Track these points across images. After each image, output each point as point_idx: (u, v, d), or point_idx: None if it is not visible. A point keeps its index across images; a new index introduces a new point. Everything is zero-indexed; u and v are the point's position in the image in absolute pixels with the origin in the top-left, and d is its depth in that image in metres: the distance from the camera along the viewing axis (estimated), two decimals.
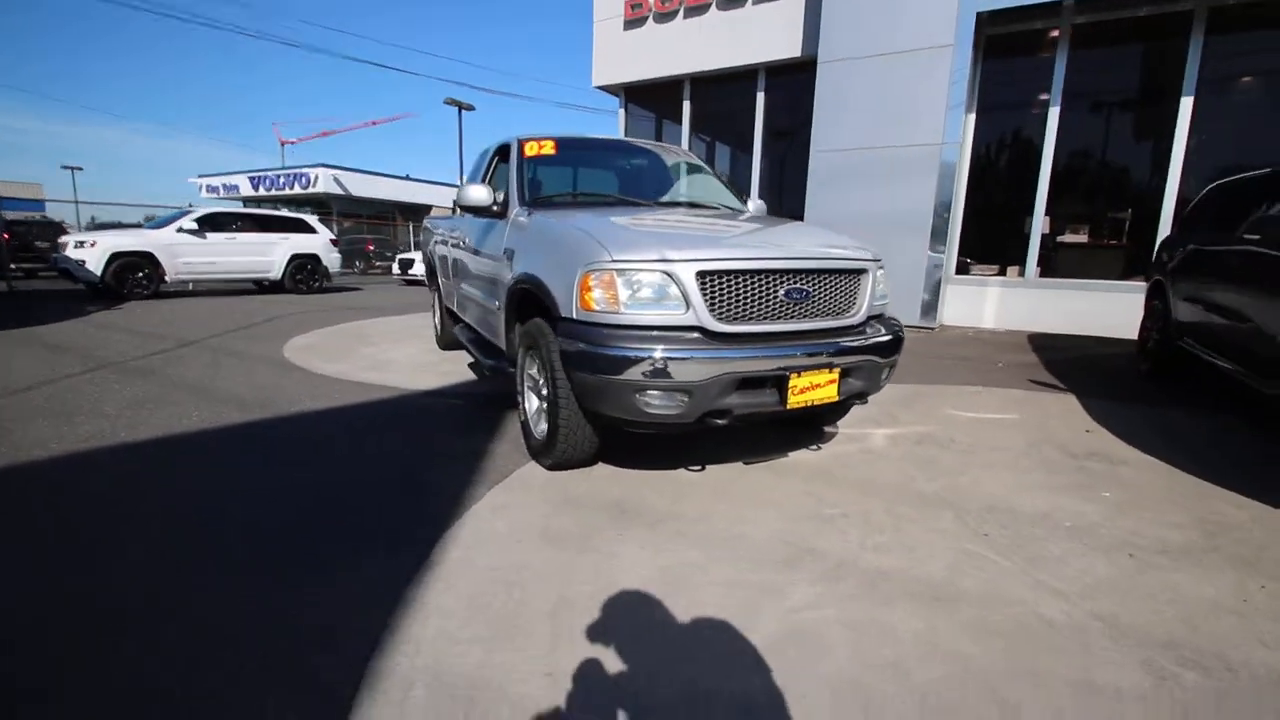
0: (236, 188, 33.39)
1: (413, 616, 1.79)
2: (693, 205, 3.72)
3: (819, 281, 2.66)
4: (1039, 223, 7.72)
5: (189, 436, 3.34)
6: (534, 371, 3.10)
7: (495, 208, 3.48)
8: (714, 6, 9.04)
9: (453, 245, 4.77)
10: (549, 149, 3.78)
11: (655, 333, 2.41)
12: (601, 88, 10.46)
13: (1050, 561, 2.19)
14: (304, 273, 11.99)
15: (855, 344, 2.68)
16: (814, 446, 3.36)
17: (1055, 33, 7.35)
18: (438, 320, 6.03)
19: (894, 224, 7.44)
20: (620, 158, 4.00)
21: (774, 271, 2.55)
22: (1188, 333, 4.55)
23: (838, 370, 2.61)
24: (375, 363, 5.33)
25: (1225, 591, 2.02)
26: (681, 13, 9.31)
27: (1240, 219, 4.05)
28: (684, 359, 2.36)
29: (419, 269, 15.22)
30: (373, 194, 33.53)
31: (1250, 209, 3.97)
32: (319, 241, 12.15)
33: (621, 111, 10.59)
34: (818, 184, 8.08)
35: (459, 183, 26.68)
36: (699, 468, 3.01)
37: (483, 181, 4.29)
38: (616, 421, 2.59)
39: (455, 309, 5.00)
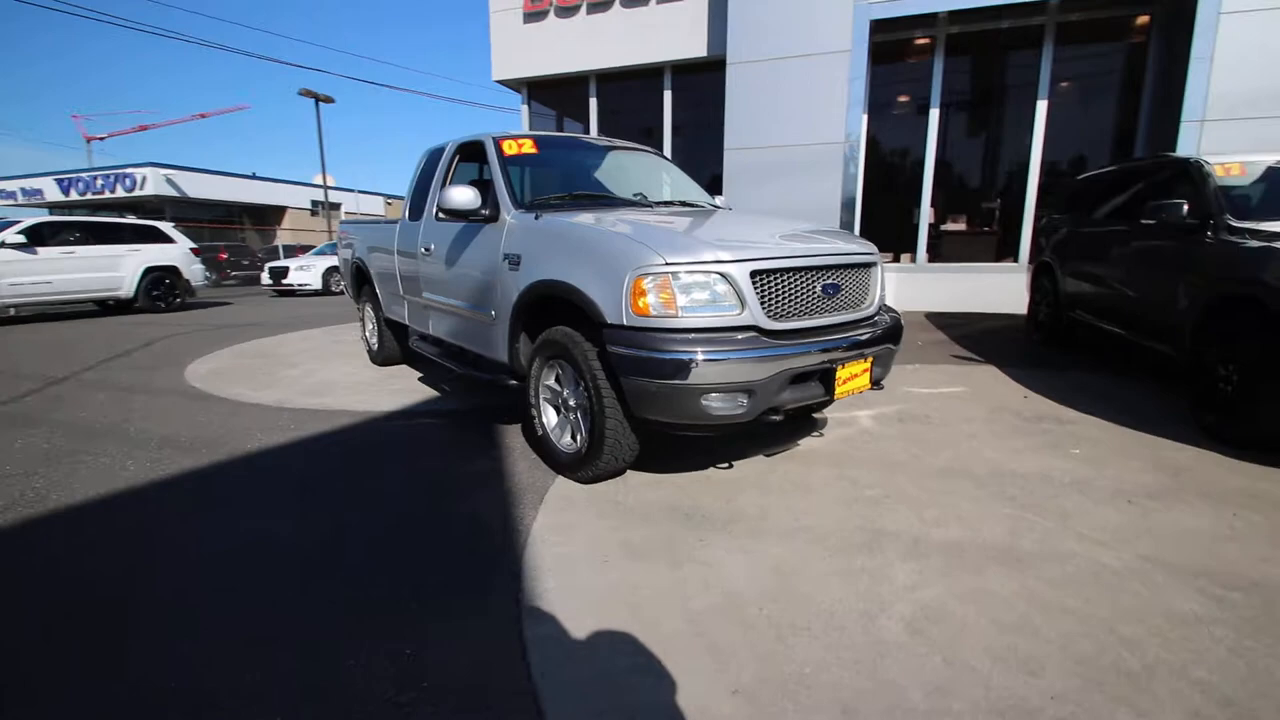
0: (40, 192, 28.51)
1: (560, 660, 1.67)
2: (684, 204, 3.74)
3: (846, 276, 2.80)
4: (925, 213, 8.57)
5: (141, 491, 2.83)
6: (552, 382, 2.98)
7: (485, 211, 3.28)
8: (617, 4, 9.04)
9: (402, 254, 4.42)
10: (529, 148, 3.62)
11: (714, 334, 2.41)
12: (502, 82, 10.11)
13: (1075, 515, 2.48)
14: (162, 288, 10.48)
15: (878, 333, 2.85)
16: (817, 433, 3.52)
17: (932, 41, 8.16)
18: (371, 335, 5.56)
19: (806, 218, 7.88)
20: (598, 157, 3.90)
21: (813, 268, 2.65)
22: (1079, 305, 5.30)
23: (870, 359, 2.76)
24: (312, 386, 4.81)
25: (1212, 523, 2.40)
26: (584, 9, 9.22)
27: (1126, 206, 4.78)
28: (746, 359, 2.38)
29: (298, 278, 13.86)
30: (214, 196, 29.97)
31: (1135, 196, 4.70)
32: (177, 252, 10.67)
33: (524, 108, 10.30)
34: (731, 181, 8.38)
35: (321, 181, 24.50)
36: (727, 465, 3.06)
37: (443, 186, 4.01)
38: (669, 427, 2.56)
39: (408, 321, 4.64)
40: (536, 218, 3.02)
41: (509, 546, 2.29)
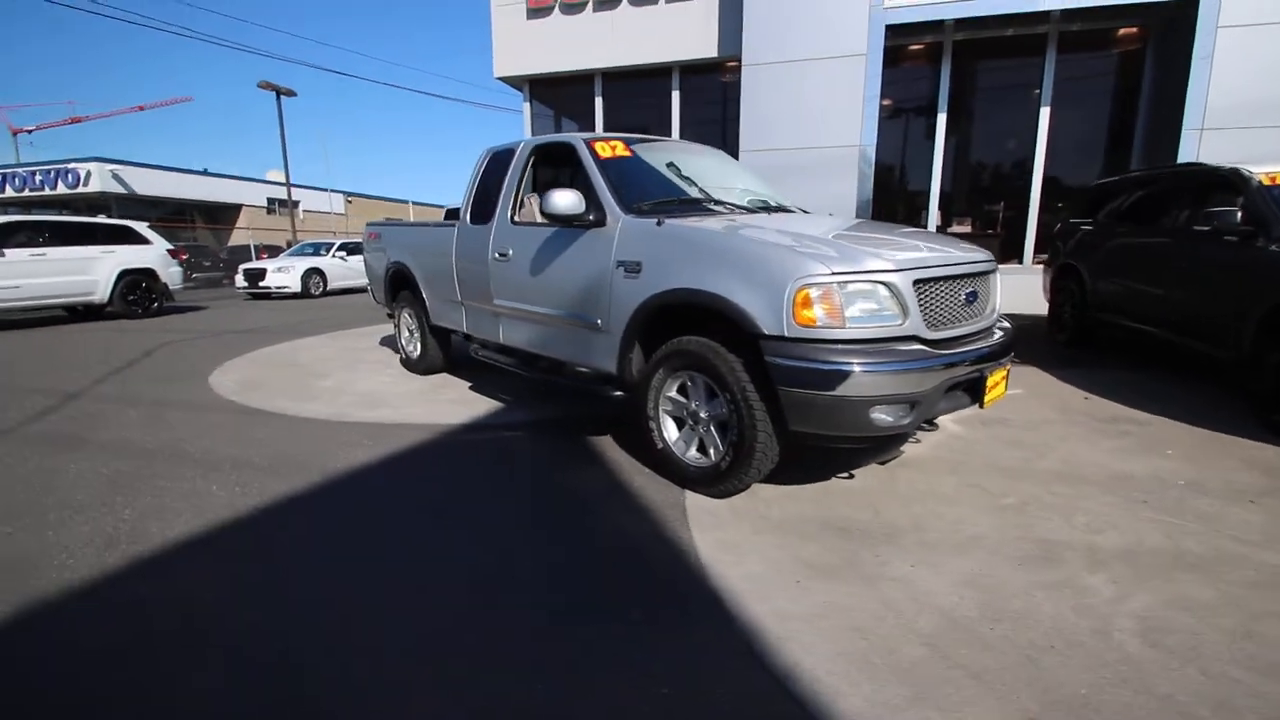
0: None
1: (827, 696, 1.61)
2: (780, 208, 3.70)
3: (981, 284, 2.81)
4: (934, 216, 8.77)
5: (251, 521, 2.62)
6: (674, 394, 2.90)
7: (590, 216, 3.16)
8: (625, 2, 8.93)
9: (465, 259, 4.24)
10: (622, 150, 3.51)
11: (879, 345, 2.38)
12: (503, 79, 9.86)
13: (1213, 518, 2.54)
14: (138, 292, 9.84)
15: (1008, 340, 2.87)
16: (914, 439, 3.54)
17: (939, 47, 8.34)
18: (409, 342, 5.34)
19: None
20: (679, 157, 3.82)
21: (960, 276, 2.65)
22: (1111, 308, 5.49)
23: (1008, 366, 2.78)
24: (360, 397, 4.58)
25: None
26: (591, 6, 9.07)
27: (1164, 211, 4.97)
28: (913, 370, 2.36)
29: (276, 280, 13.23)
30: (163, 193, 28.45)
31: (1173, 202, 4.90)
32: (154, 253, 10.05)
33: (526, 105, 10.07)
34: None
35: (284, 179, 23.53)
36: (848, 475, 3.03)
37: (518, 189, 3.87)
38: (824, 440, 2.53)
39: (466, 329, 4.46)
40: (659, 223, 2.93)
41: (686, 567, 2.21)
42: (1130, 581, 2.08)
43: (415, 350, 5.28)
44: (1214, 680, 1.61)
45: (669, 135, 9.49)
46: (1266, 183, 4.16)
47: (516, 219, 3.84)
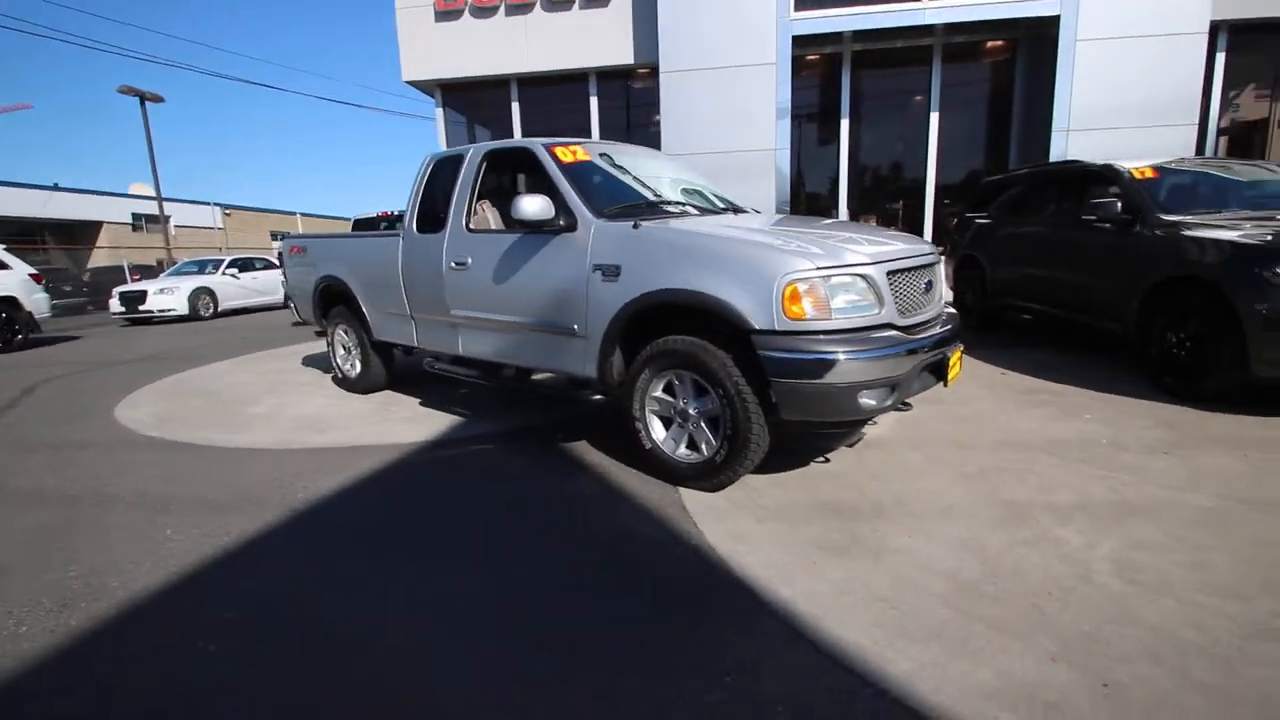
0: None
1: (865, 659, 1.70)
2: (736, 210, 3.82)
3: (933, 273, 3.05)
4: (843, 213, 9.34)
5: (226, 562, 2.39)
6: (659, 393, 2.95)
7: (561, 222, 3.15)
8: (538, 7, 8.87)
9: (413, 270, 4.07)
10: (582, 155, 3.51)
11: (862, 334, 2.54)
12: (413, 83, 9.50)
13: (1140, 470, 2.90)
14: None
15: (958, 325, 3.14)
16: (872, 421, 3.77)
17: (839, 57, 8.91)
18: (347, 360, 5.05)
19: None
20: (633, 160, 3.86)
21: (919, 267, 2.87)
22: (1012, 292, 6.10)
23: (960, 347, 3.04)
24: (302, 422, 4.28)
25: (1241, 464, 2.94)
26: (503, 10, 8.93)
27: (1052, 204, 5.59)
28: (892, 355, 2.54)
29: (160, 302, 12.00)
30: (6, 212, 25.05)
31: (1056, 195, 5.52)
32: (15, 280, 8.86)
33: (439, 111, 9.75)
34: None
35: (152, 192, 21.51)
36: (824, 459, 3.20)
37: (471, 196, 3.78)
38: (812, 426, 2.67)
39: (417, 343, 4.28)
40: (635, 226, 2.96)
41: (706, 560, 2.26)
42: (1094, 531, 2.35)
43: (354, 369, 4.99)
44: (1187, 606, 1.86)
45: (591, 137, 9.51)
46: (1137, 176, 4.80)
47: (472, 226, 3.75)
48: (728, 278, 2.61)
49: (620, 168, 3.75)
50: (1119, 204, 4.60)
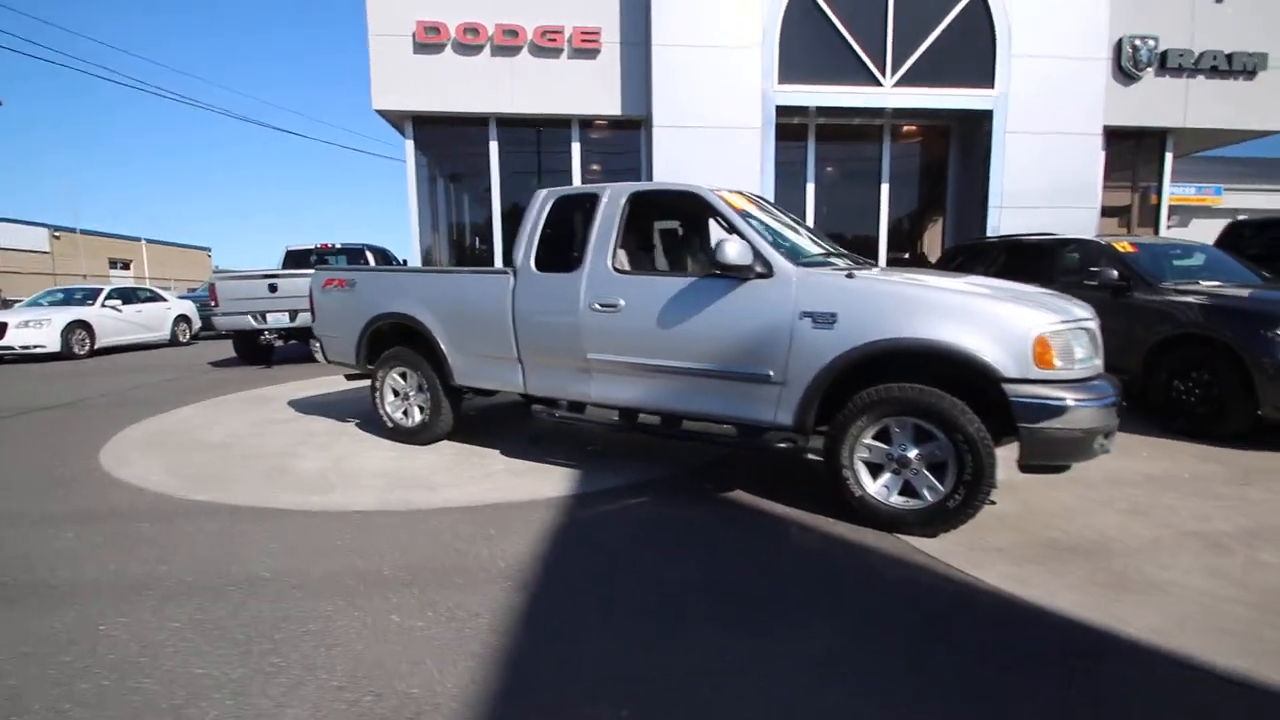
0: None
1: (1247, 675, 1.82)
2: (858, 261, 4.00)
3: None
4: None
5: (531, 646, 2.02)
6: (869, 439, 2.98)
7: (759, 269, 3.13)
8: (526, 51, 8.80)
9: (533, 311, 3.79)
10: (748, 203, 3.54)
11: (1089, 383, 2.77)
12: (383, 113, 8.92)
13: (1236, 500, 3.38)
14: None
15: None
16: None
17: (807, 128, 9.71)
18: (396, 408, 4.52)
19: None
20: (771, 211, 3.92)
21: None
22: None
23: None
24: (390, 479, 3.75)
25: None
26: (489, 50, 8.74)
27: (1035, 268, 6.42)
28: (1114, 402, 2.79)
29: (23, 338, 9.87)
30: None
31: (1044, 261, 6.37)
32: None
33: (409, 144, 9.20)
34: None
35: None
36: (993, 501, 3.36)
37: (615, 237, 3.63)
38: (1042, 469, 2.83)
39: (526, 389, 3.95)
40: (850, 276, 3.02)
41: (1025, 611, 2.29)
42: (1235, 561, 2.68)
43: (414, 417, 4.47)
44: None
45: (570, 184, 9.47)
46: (1121, 250, 5.69)
47: (618, 267, 3.60)
48: (975, 330, 2.74)
49: (771, 217, 3.81)
50: (1115, 272, 5.42)
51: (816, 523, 3.07)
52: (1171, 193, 10.92)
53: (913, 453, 2.90)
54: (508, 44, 8.71)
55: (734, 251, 3.06)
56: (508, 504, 3.34)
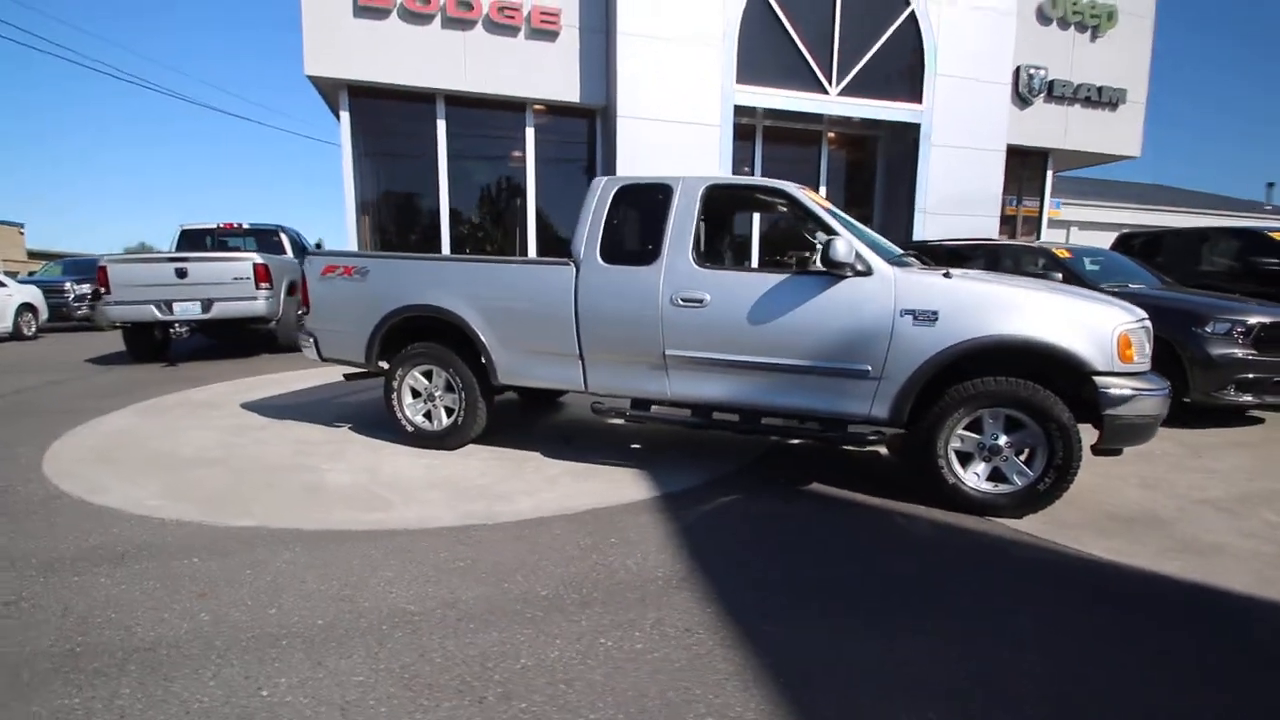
0: None
1: None
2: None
3: None
4: (754, 264, 10.36)
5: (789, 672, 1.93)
6: (962, 430, 3.17)
7: (859, 267, 3.21)
8: (480, 26, 8.28)
9: (607, 304, 3.59)
10: (826, 201, 3.59)
11: (1150, 374, 3.13)
12: (316, 79, 7.99)
13: (1240, 469, 4.00)
14: None
15: None
16: None
17: (755, 129, 10.00)
18: (417, 410, 4.12)
19: None
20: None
21: None
22: None
23: None
24: (447, 489, 3.41)
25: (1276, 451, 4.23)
26: (439, 21, 8.11)
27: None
28: (1170, 393, 3.17)
29: None
30: None
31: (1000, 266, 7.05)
32: None
33: (345, 114, 8.30)
34: None
35: None
36: None
37: (694, 230, 3.56)
38: (1113, 452, 3.15)
39: (587, 387, 3.75)
40: (947, 276, 3.18)
41: (1135, 577, 2.55)
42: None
43: (440, 420, 4.09)
44: None
45: (525, 169, 9.09)
46: (1060, 255, 6.47)
47: (699, 261, 3.52)
48: (1068, 328, 3.00)
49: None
50: (1059, 274, 6.15)
51: (915, 511, 3.21)
52: (1030, 206, 12.53)
53: (1003, 441, 3.13)
54: (461, 16, 8.14)
55: (843, 250, 3.11)
56: (601, 510, 3.16)
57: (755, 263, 9.86)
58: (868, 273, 3.24)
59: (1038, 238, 12.08)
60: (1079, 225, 21.66)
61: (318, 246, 10.66)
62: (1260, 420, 5.42)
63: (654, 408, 3.76)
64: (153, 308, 7.24)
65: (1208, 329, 5.02)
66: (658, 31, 8.44)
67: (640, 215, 3.68)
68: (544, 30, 8.45)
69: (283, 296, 7.93)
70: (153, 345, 7.86)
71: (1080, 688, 1.82)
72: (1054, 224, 22.51)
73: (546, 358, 3.82)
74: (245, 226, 9.39)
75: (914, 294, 3.18)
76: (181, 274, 7.27)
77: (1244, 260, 6.99)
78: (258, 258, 7.58)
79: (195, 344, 8.98)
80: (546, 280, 3.74)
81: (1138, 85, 11.15)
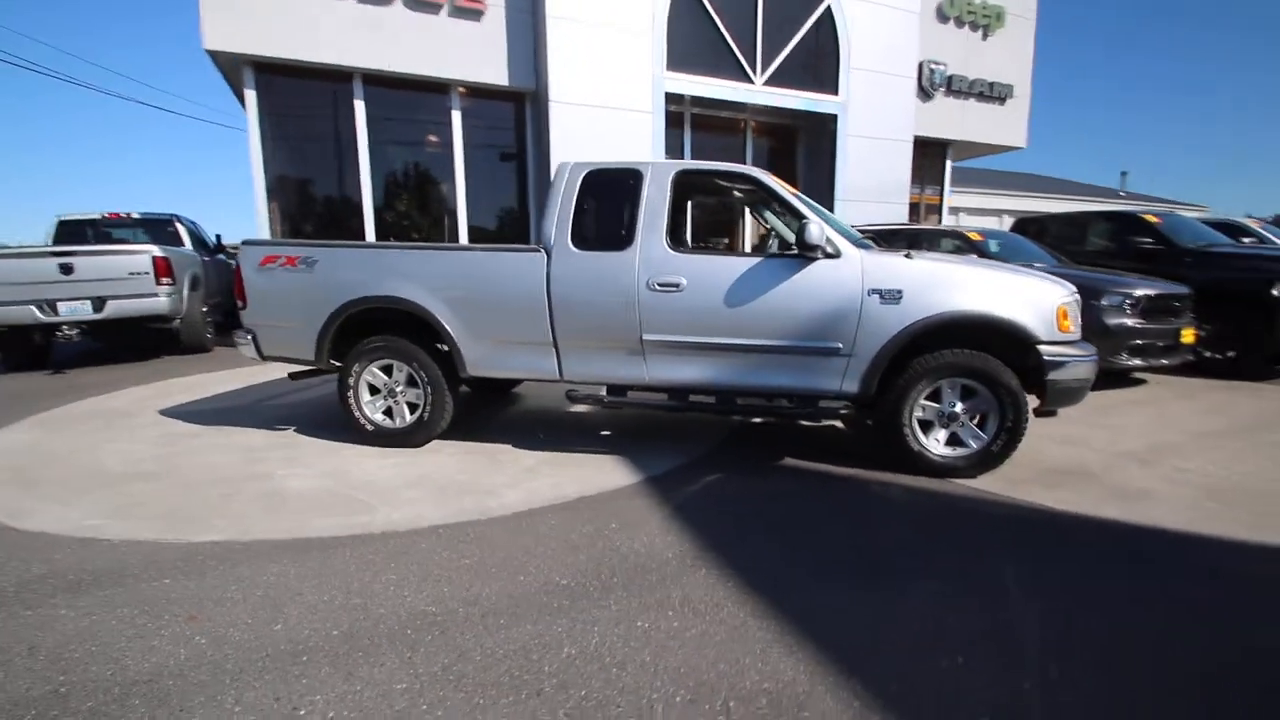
0: None
1: None
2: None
3: None
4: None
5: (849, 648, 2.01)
6: (924, 399, 3.42)
7: (828, 249, 3.36)
8: (399, 1, 7.83)
9: (581, 290, 3.56)
10: (794, 188, 3.71)
11: (1083, 342, 3.49)
12: (216, 54, 7.26)
13: (1175, 415, 4.54)
14: None
15: None
16: None
17: (683, 116, 10.11)
18: (374, 408, 3.93)
19: None
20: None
21: None
22: None
23: None
24: (428, 487, 3.28)
25: (1191, 402, 4.82)
26: None
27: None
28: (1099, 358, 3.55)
29: None
30: None
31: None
32: None
33: (251, 93, 7.60)
34: None
35: None
36: None
37: (667, 216, 3.59)
38: (1049, 414, 3.50)
39: (561, 375, 3.71)
40: (908, 256, 3.39)
41: (1086, 523, 2.87)
42: (1225, 450, 3.71)
43: (403, 416, 3.91)
44: None
45: (453, 154, 8.74)
46: (972, 238, 7.02)
47: (673, 245, 3.55)
48: (1017, 302, 3.29)
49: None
50: (975, 255, 6.69)
51: (884, 478, 3.43)
52: (932, 194, 13.50)
53: (959, 408, 3.40)
54: None
55: (815, 233, 3.25)
56: (592, 497, 3.16)
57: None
58: (836, 255, 3.40)
59: (939, 223, 13.02)
60: (966, 211, 23.52)
61: (217, 240, 9.82)
62: (1144, 381, 6.15)
63: (630, 393, 3.79)
64: (33, 308, 6.39)
65: (1103, 301, 5.63)
66: (588, 17, 8.34)
67: (611, 201, 3.66)
68: (467, 9, 8.13)
69: (186, 292, 7.25)
70: (31, 351, 6.95)
71: (1083, 619, 2.04)
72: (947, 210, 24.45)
73: (518, 347, 3.74)
74: (135, 216, 8.46)
75: (880, 274, 3.37)
76: (67, 270, 6.46)
77: (1121, 240, 7.88)
78: (157, 250, 6.87)
79: (79, 348, 8.03)
80: (516, 268, 3.65)
81: (1023, 81, 12.22)
